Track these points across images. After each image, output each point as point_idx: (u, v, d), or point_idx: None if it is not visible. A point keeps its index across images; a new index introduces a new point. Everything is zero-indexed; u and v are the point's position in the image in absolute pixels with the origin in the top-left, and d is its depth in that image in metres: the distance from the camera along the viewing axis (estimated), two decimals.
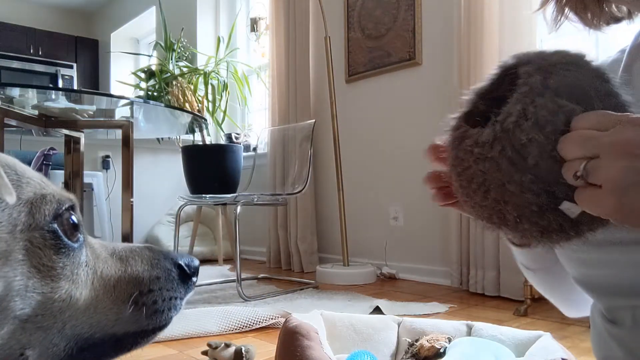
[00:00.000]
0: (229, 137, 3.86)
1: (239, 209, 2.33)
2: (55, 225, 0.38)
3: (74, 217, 0.40)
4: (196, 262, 0.49)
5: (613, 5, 0.64)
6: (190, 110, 3.35)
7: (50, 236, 0.38)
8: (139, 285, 0.43)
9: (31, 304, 0.35)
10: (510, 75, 0.48)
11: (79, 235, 0.41)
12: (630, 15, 0.65)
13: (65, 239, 0.39)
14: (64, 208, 0.39)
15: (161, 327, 0.45)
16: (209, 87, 3.81)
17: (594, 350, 0.65)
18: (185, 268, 0.47)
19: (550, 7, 0.67)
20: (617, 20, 0.65)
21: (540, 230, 0.44)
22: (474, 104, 0.51)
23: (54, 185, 0.42)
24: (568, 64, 0.45)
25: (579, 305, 0.75)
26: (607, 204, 0.38)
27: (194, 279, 0.48)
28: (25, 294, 0.35)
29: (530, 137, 0.42)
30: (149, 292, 0.44)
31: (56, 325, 0.37)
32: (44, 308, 0.36)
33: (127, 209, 2.07)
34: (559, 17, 0.67)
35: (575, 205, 0.41)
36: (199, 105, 3.61)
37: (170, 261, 0.46)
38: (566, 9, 0.66)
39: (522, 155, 0.42)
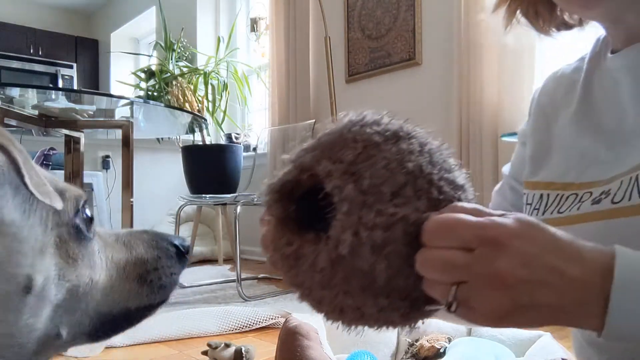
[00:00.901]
0: (229, 137, 3.86)
1: (239, 209, 2.33)
2: (77, 220, 0.44)
3: (88, 212, 0.46)
4: (187, 242, 0.54)
5: (566, 12, 0.64)
6: (190, 110, 3.35)
7: (74, 230, 0.43)
8: (144, 264, 0.49)
9: (62, 290, 0.41)
10: (308, 173, 0.40)
11: (93, 226, 0.46)
12: (581, 23, 0.65)
13: (86, 232, 0.44)
14: (81, 204, 0.45)
15: (164, 301, 0.50)
16: (209, 87, 3.81)
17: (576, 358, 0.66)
18: (180, 247, 0.52)
19: (502, 11, 0.68)
20: (568, 27, 0.65)
21: (407, 326, 0.41)
22: (283, 208, 0.42)
23: (60, 180, 0.46)
24: (371, 149, 0.38)
25: None
26: (481, 323, 0.37)
27: (187, 256, 0.53)
28: (58, 282, 0.40)
29: (372, 263, 0.36)
30: (154, 270, 0.49)
31: (81, 306, 0.43)
32: (71, 292, 0.42)
33: (127, 209, 2.07)
34: (510, 20, 0.67)
35: (439, 305, 0.38)
36: (199, 105, 3.61)
37: (166, 242, 0.51)
38: (517, 13, 0.66)
39: (371, 279, 0.36)
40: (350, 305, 0.38)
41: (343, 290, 0.37)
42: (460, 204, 0.38)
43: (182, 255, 0.52)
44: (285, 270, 0.41)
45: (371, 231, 0.36)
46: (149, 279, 0.48)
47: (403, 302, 0.38)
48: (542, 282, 0.35)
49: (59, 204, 0.40)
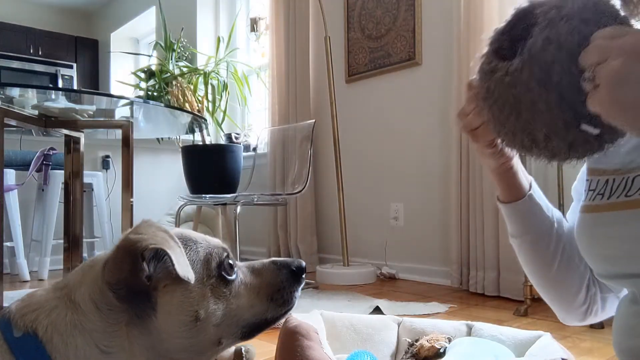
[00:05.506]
0: (229, 137, 3.86)
1: (239, 209, 2.33)
2: (222, 272, 0.63)
3: (230, 261, 0.65)
4: (303, 264, 0.72)
5: None
6: (190, 110, 3.35)
7: (220, 278, 0.63)
8: (272, 287, 0.68)
9: (218, 316, 0.61)
10: (526, 16, 0.56)
11: (235, 268, 0.66)
12: None
13: (228, 277, 0.63)
14: (223, 258, 0.64)
15: (288, 310, 0.69)
16: (209, 87, 3.81)
17: (616, 344, 0.66)
18: (296, 270, 0.69)
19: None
20: None
21: (568, 145, 0.51)
22: (499, 41, 0.59)
23: (213, 238, 0.66)
24: None
25: (562, 291, 0.75)
26: (601, 99, 0.44)
27: (304, 275, 0.71)
28: (215, 313, 0.61)
29: (553, 56, 0.49)
30: (278, 291, 0.68)
31: (233, 322, 0.63)
32: (225, 316, 0.62)
33: (127, 209, 2.07)
34: None
35: (593, 127, 0.49)
36: (199, 105, 3.61)
37: (287, 268, 0.69)
38: None
39: (549, 74, 0.50)
40: (527, 102, 0.52)
41: (526, 86, 0.51)
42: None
43: (298, 276, 0.69)
44: (481, 82, 0.58)
45: (560, 34, 0.50)
46: (276, 297, 0.67)
47: (567, 109, 0.49)
48: None
49: (192, 278, 0.57)
